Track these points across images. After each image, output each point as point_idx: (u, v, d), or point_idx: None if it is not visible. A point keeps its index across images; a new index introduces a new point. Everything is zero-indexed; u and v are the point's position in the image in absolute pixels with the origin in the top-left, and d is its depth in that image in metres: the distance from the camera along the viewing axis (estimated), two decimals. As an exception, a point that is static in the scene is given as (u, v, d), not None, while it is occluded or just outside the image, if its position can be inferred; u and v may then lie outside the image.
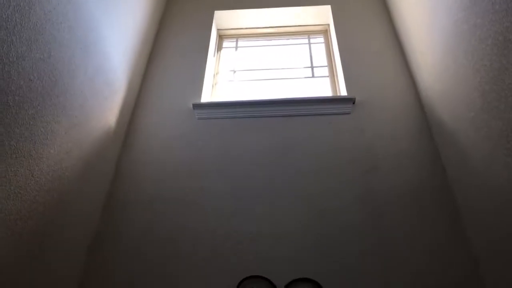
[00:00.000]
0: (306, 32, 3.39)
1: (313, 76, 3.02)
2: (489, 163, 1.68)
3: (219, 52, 3.28)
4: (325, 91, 2.90)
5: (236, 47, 3.35)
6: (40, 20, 1.54)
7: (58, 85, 1.69)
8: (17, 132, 1.44)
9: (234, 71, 3.13)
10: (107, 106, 2.19)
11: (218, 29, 3.38)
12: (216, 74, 3.10)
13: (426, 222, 1.98)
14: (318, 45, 3.29)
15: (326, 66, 3.08)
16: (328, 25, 3.31)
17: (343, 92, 2.65)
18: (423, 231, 1.95)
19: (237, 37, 3.43)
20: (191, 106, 2.56)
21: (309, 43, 3.31)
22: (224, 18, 3.33)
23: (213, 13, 3.25)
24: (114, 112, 2.29)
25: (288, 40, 3.38)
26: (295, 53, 3.26)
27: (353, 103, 2.48)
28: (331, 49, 3.16)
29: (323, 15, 3.28)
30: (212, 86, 2.99)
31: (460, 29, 1.85)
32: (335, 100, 2.50)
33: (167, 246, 2.01)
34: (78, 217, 1.93)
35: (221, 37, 3.41)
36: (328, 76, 3.00)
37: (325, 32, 3.35)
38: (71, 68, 1.80)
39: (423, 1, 2.30)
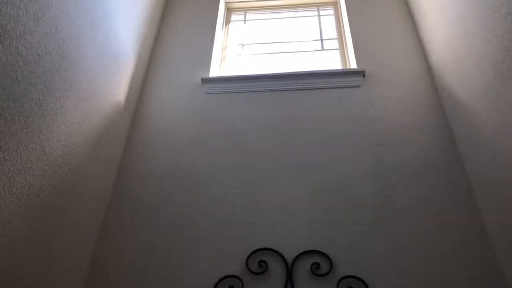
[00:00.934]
0: (315, 4, 3.33)
1: (322, 49, 2.98)
2: (500, 135, 1.67)
3: (227, 26, 3.25)
4: (335, 64, 2.87)
5: (245, 21, 3.31)
6: (46, -6, 1.53)
7: (66, 60, 1.69)
8: (26, 108, 1.45)
9: (243, 45, 3.10)
10: (116, 81, 2.19)
11: (226, 2, 3.34)
12: (225, 48, 3.08)
13: (437, 195, 1.98)
14: (328, 17, 3.23)
15: (336, 38, 3.03)
16: (338, -4, 3.26)
17: (353, 65, 2.62)
18: (433, 204, 1.95)
19: (246, 10, 3.38)
20: (200, 80, 2.55)
21: (319, 15, 3.25)
22: (232, -9, 3.28)
23: (220, -14, 3.20)
24: (122, 87, 2.29)
25: (297, 13, 3.33)
26: (304, 25, 3.21)
27: (363, 76, 2.45)
28: (341, 21, 3.10)
29: (333, -14, 3.22)
30: (221, 60, 2.97)
31: (473, -2, 1.81)
32: (344, 73, 2.48)
33: (178, 219, 2.04)
34: (90, 191, 1.96)
35: (229, 10, 3.36)
36: (337, 49, 2.96)
37: (334, 4, 3.28)
38: (78, 42, 1.80)
39: (436, -31, 2.24)
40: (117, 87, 2.22)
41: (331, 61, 2.90)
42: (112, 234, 2.04)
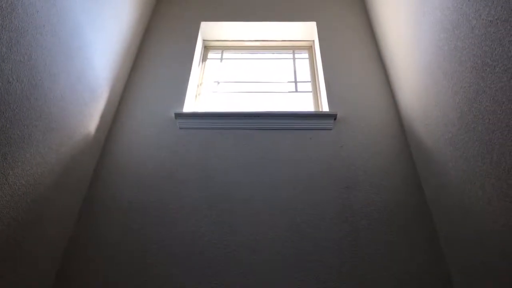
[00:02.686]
0: (291, 47, 3.43)
1: (296, 91, 3.04)
2: (465, 183, 1.71)
3: (204, 63, 3.29)
4: (308, 106, 2.93)
5: (221, 59, 3.36)
6: (22, 22, 1.52)
7: (38, 88, 1.67)
8: (-8, 135, 1.41)
9: (218, 83, 3.13)
10: (88, 112, 2.17)
11: (203, 40, 3.39)
12: (200, 84, 3.10)
13: (403, 239, 2.00)
14: (303, 61, 3.32)
15: (310, 81, 3.11)
16: (313, 41, 3.36)
17: (325, 108, 2.67)
18: (400, 248, 1.97)
19: (223, 48, 3.44)
20: (173, 115, 2.55)
21: (294, 58, 3.34)
22: (210, 30, 3.34)
23: (199, 24, 3.26)
24: (94, 118, 2.26)
25: (273, 54, 3.41)
26: (280, 67, 3.28)
27: (335, 119, 2.50)
28: (315, 65, 3.19)
29: (308, 31, 3.32)
30: (196, 96, 2.99)
31: (441, 50, 1.89)
32: (317, 116, 2.52)
33: (142, 254, 1.98)
34: (53, 222, 1.89)
35: (206, 48, 3.42)
36: (311, 92, 3.02)
37: (309, 48, 3.38)
38: (52, 72, 1.78)
39: (407, 21, 2.35)
40: (89, 117, 2.19)
41: (304, 103, 2.96)
42: (74, 268, 1.96)
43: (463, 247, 1.75)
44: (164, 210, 2.14)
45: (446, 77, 1.84)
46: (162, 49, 3.06)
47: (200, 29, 3.24)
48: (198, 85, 3.08)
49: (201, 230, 2.06)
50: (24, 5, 1.53)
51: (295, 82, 3.11)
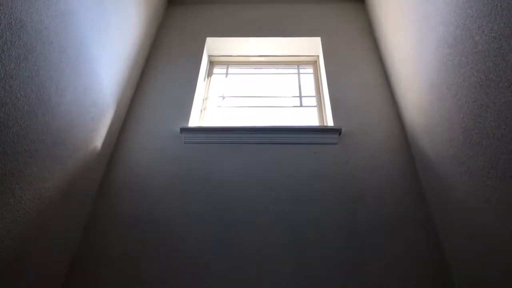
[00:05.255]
0: (296, 62, 3.45)
1: (301, 106, 3.05)
2: (470, 198, 1.70)
3: (209, 78, 3.31)
4: (313, 121, 2.94)
5: (227, 74, 3.38)
6: (31, 39, 1.55)
7: (44, 103, 1.69)
8: (-1, 149, 1.42)
9: (223, 97, 3.15)
10: (94, 127, 2.18)
11: (209, 55, 3.43)
12: (205, 99, 3.12)
13: (408, 252, 1.98)
14: (307, 75, 3.34)
15: (314, 96, 3.12)
16: (318, 56, 3.38)
17: (330, 122, 2.68)
18: (405, 262, 1.95)
19: (228, 64, 3.47)
20: (179, 130, 2.56)
21: (298, 73, 3.36)
22: (216, 45, 3.37)
23: (205, 40, 3.30)
24: (100, 133, 2.28)
25: (277, 69, 3.44)
26: (284, 82, 3.30)
27: (340, 133, 2.50)
28: (319, 80, 3.20)
29: (313, 46, 3.35)
30: (201, 111, 3.00)
31: (445, 65, 1.90)
32: (322, 130, 2.53)
33: (147, 269, 1.97)
34: (59, 237, 1.89)
35: (212, 63, 3.45)
36: (316, 106, 3.03)
37: (314, 63, 3.41)
38: (59, 87, 1.80)
39: (411, 36, 2.36)
40: (95, 132, 2.20)
41: (309, 118, 2.96)
42: (79, 282, 1.95)
43: (468, 261, 1.74)
44: (169, 224, 2.13)
45: (450, 92, 1.85)
46: (168, 64, 3.09)
47: (205, 45, 3.28)
48: (203, 100, 3.10)
49: (206, 244, 2.05)
50: (33, 22, 1.56)
51: (300, 96, 3.13)
